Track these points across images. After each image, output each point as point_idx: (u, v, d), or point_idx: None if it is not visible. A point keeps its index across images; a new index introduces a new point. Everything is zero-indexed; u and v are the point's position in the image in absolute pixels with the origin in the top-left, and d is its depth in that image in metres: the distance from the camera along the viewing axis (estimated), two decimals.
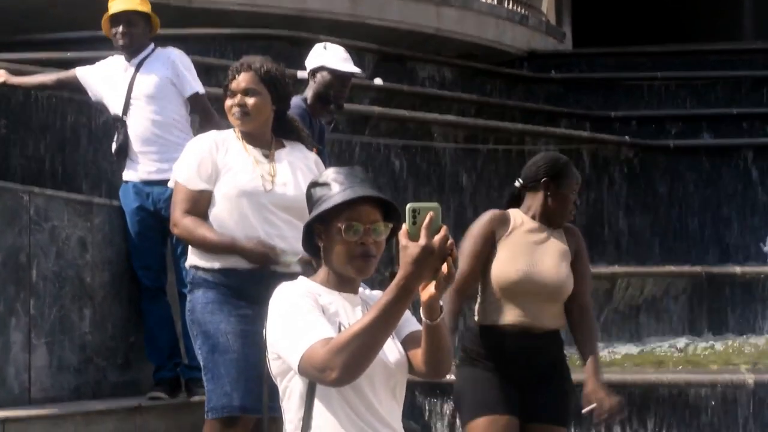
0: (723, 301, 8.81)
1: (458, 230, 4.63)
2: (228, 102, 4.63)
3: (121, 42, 5.95)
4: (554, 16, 16.70)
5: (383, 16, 12.44)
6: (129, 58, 5.98)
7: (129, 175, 5.93)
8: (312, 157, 4.86)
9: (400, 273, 2.77)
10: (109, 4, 6.03)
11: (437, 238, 2.74)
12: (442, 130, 10.00)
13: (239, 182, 4.54)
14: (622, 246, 10.68)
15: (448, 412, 6.26)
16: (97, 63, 6.19)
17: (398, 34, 12.42)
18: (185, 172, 4.63)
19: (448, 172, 9.83)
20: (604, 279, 8.57)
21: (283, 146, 4.74)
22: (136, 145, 5.91)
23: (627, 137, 11.27)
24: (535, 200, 4.61)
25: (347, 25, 11.69)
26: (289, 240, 4.50)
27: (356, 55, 10.60)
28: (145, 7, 6.04)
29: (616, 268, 9.03)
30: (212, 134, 4.74)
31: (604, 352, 7.92)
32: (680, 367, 7.36)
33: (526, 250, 4.62)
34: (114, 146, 6.00)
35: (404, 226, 2.79)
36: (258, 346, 4.09)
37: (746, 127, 12.13)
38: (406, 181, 9.37)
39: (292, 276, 3.43)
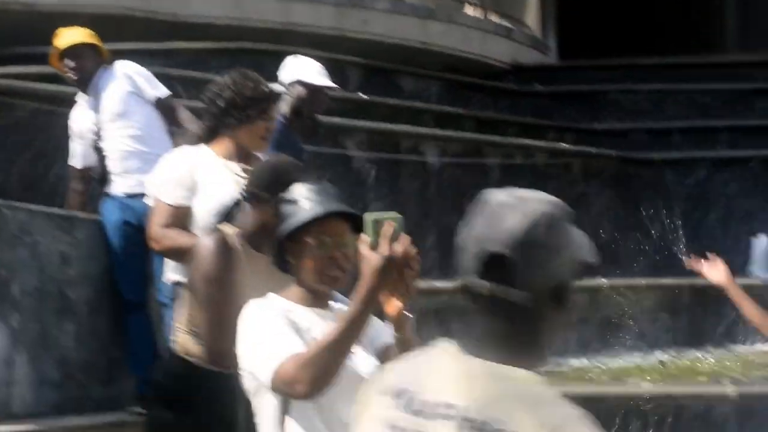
0: (707, 313, 8.84)
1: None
2: (265, 125, 4.61)
3: (74, 77, 6.01)
4: (539, 29, 16.66)
5: (368, 29, 12.43)
6: (85, 90, 6.02)
7: (111, 189, 5.92)
8: None
9: (362, 283, 2.79)
10: (55, 41, 6.06)
11: (398, 247, 2.76)
12: (418, 143, 9.99)
13: (219, 197, 4.41)
14: (606, 258, 10.60)
15: None
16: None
17: (384, 47, 12.39)
18: (163, 188, 4.59)
19: (425, 185, 9.84)
20: (587, 291, 8.54)
21: (259, 158, 4.63)
22: (115, 163, 5.91)
23: (612, 151, 11.30)
24: None
25: (332, 38, 11.68)
26: None
27: (341, 69, 10.68)
28: (93, 39, 6.07)
29: (600, 281, 8.93)
30: (189, 149, 4.67)
31: (586, 365, 8.04)
32: (661, 380, 7.35)
33: None
34: (95, 176, 6.05)
35: (366, 237, 2.81)
36: None
37: (729, 139, 12.23)
38: (382, 194, 9.33)
39: None
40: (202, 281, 3.70)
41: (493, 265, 1.84)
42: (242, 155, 4.54)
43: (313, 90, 5.89)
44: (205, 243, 3.79)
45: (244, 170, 4.47)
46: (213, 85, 4.67)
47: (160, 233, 4.53)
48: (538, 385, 1.82)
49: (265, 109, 4.60)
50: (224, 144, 4.54)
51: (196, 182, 4.51)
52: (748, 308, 5.19)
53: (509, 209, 1.86)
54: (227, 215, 4.03)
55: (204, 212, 4.47)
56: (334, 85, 6.13)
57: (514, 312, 1.87)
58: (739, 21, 18.97)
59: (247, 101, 4.50)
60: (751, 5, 18.49)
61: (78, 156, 6.20)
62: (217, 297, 3.66)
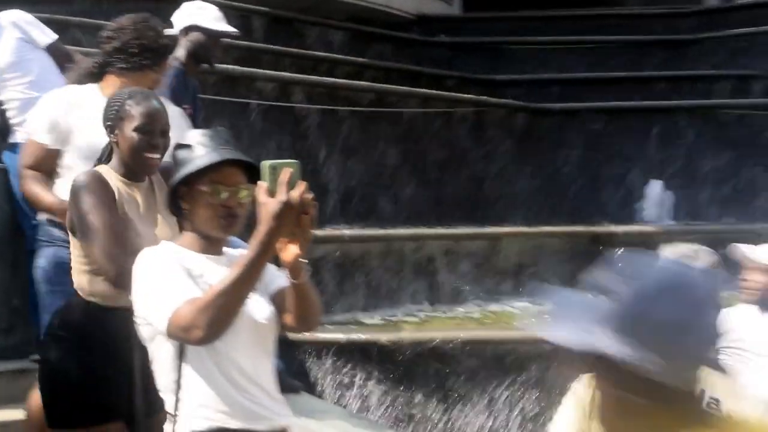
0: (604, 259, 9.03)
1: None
2: (155, 76, 4.46)
3: None
4: None
5: None
6: None
7: (14, 137, 5.81)
8: (174, 109, 4.56)
9: (260, 229, 2.81)
10: None
11: (295, 193, 2.78)
12: (320, 92, 9.90)
13: (93, 142, 4.19)
14: (507, 206, 10.77)
15: (332, 369, 6.39)
16: None
17: None
18: (35, 126, 4.46)
19: (328, 133, 9.82)
20: (489, 239, 8.76)
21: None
22: (14, 112, 5.78)
23: (513, 100, 11.42)
24: None
25: None
26: None
27: (246, 18, 10.60)
28: None
29: (499, 228, 9.16)
30: (69, 90, 4.47)
31: (488, 310, 8.19)
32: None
33: None
34: None
35: (262, 183, 2.82)
36: None
37: (628, 90, 12.33)
38: (285, 144, 9.34)
39: None
40: (83, 216, 3.64)
41: None
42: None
43: (210, 35, 5.81)
44: (79, 179, 3.71)
45: None
46: (113, 22, 4.48)
47: (27, 175, 4.40)
48: None
49: (159, 62, 4.45)
50: (111, 83, 4.34)
51: (70, 125, 4.35)
52: None
53: None
54: (100, 157, 3.92)
55: (75, 154, 4.34)
56: (232, 30, 6.03)
57: None
58: None
59: (144, 49, 4.36)
60: None
61: None
62: (102, 224, 3.59)
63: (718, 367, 1.81)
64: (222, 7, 6.31)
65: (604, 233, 9.26)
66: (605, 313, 1.66)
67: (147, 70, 4.37)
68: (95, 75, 4.41)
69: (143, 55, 4.34)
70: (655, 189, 10.50)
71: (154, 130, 3.77)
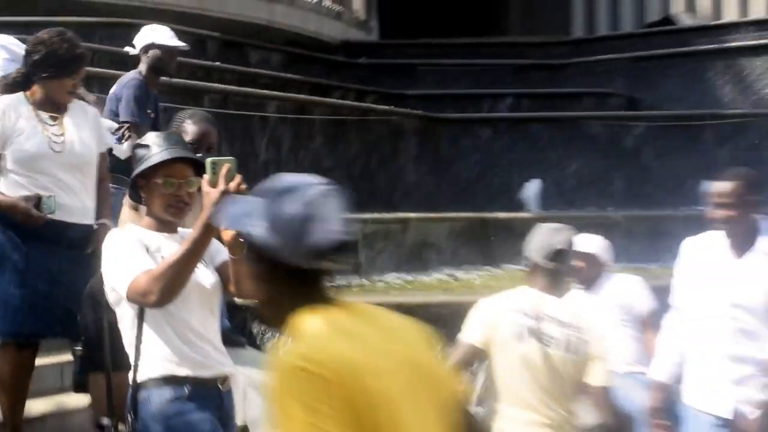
0: (498, 242, 8.81)
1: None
2: (72, 82, 4.15)
3: None
4: (364, 12, 16.61)
5: (224, 9, 12.26)
6: None
7: None
8: (91, 111, 4.37)
9: (203, 213, 2.83)
10: None
11: (232, 184, 2.78)
12: (261, 102, 9.71)
13: (29, 146, 4.03)
14: (413, 197, 10.68)
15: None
16: None
17: (236, 24, 12.19)
18: None
19: (269, 136, 9.66)
20: (399, 222, 8.62)
21: (66, 109, 4.18)
22: None
23: (419, 111, 11.32)
24: None
25: (193, 16, 11.40)
26: (82, 198, 4.13)
27: (202, 42, 10.41)
28: None
29: (409, 214, 9.03)
30: (3, 99, 4.15)
31: (399, 281, 8.01)
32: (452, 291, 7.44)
33: None
34: None
35: (206, 176, 2.81)
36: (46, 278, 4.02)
37: (511, 104, 12.40)
38: (234, 144, 8.93)
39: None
40: None
41: None
42: (51, 105, 4.14)
43: (166, 50, 5.61)
44: None
45: (52, 117, 4.14)
46: (33, 38, 4.20)
47: None
48: None
49: (75, 69, 4.12)
50: (36, 92, 4.12)
51: (5, 130, 4.07)
52: None
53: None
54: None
55: (10, 157, 4.06)
56: (183, 44, 5.80)
57: None
58: (521, 9, 19.30)
59: (58, 60, 4.07)
60: None
61: None
62: None
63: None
64: (183, 33, 6.18)
65: (491, 218, 9.12)
66: (258, 208, 1.86)
67: (64, 78, 4.11)
68: (22, 84, 4.19)
69: (60, 65, 4.08)
70: (531, 185, 10.47)
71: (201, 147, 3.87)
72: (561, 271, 3.94)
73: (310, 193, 1.93)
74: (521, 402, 3.68)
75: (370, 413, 1.92)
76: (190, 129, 4.01)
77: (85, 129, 4.19)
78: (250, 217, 1.88)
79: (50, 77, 4.08)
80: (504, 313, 3.79)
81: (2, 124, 4.06)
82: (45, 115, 4.10)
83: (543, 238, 3.88)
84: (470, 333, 3.84)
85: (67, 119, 4.14)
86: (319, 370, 1.86)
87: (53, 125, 4.10)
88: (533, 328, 3.68)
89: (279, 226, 1.89)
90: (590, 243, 5.07)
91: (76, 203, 4.09)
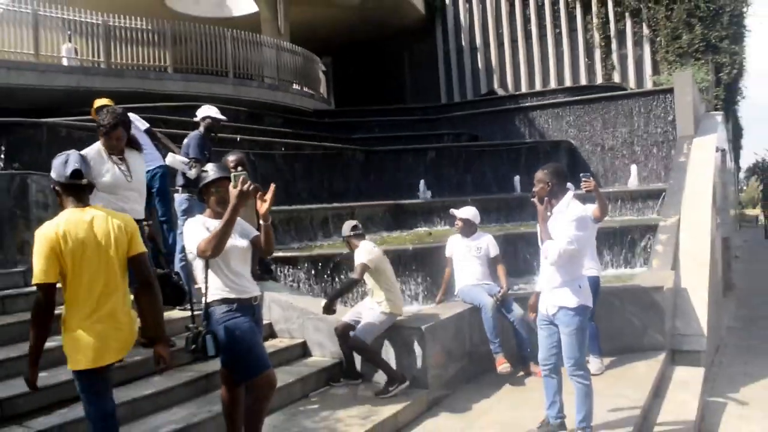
0: (406, 216, 8.73)
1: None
2: (112, 141, 3.79)
3: None
4: (327, 93, 16.42)
5: (249, 95, 12.08)
6: None
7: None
8: (138, 156, 3.95)
9: (231, 203, 2.73)
10: None
11: (245, 187, 2.73)
12: (272, 145, 9.30)
13: (111, 178, 3.78)
14: (358, 195, 10.25)
15: (283, 271, 5.78)
16: None
17: (257, 103, 11.98)
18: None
19: (275, 165, 9.33)
20: (349, 209, 8.27)
21: (123, 153, 3.86)
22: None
23: (360, 147, 11.03)
24: None
25: (231, 99, 11.22)
26: (135, 205, 3.83)
27: (235, 113, 10.04)
28: None
29: (354, 203, 8.73)
30: (94, 148, 3.82)
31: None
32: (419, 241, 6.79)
33: None
34: None
35: (232, 184, 2.78)
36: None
37: (409, 141, 12.08)
38: (261, 171, 8.70)
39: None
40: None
41: None
42: (110, 151, 3.82)
43: (214, 119, 5.28)
44: None
45: (118, 158, 3.83)
46: (101, 113, 3.87)
47: None
48: None
49: (110, 132, 3.76)
50: (102, 142, 3.84)
51: (98, 169, 3.75)
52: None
53: None
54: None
55: (105, 186, 3.75)
56: (224, 117, 5.45)
57: None
58: (412, 88, 18.92)
59: (104, 126, 3.77)
60: (417, 78, 18.57)
61: None
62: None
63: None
64: (224, 110, 5.96)
65: (402, 204, 8.96)
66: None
67: (108, 137, 3.80)
68: (100, 139, 3.89)
69: (104, 128, 3.80)
70: (422, 186, 10.28)
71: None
72: None
73: (72, 157, 2.34)
74: None
75: (68, 259, 2.32)
76: (230, 158, 4.14)
77: (139, 166, 3.91)
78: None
79: (103, 136, 3.83)
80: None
81: (95, 164, 3.72)
82: (116, 158, 3.81)
83: None
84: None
85: (128, 161, 3.85)
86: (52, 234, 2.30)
87: (121, 165, 3.82)
88: None
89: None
90: (467, 211, 4.83)
91: (135, 207, 3.85)
